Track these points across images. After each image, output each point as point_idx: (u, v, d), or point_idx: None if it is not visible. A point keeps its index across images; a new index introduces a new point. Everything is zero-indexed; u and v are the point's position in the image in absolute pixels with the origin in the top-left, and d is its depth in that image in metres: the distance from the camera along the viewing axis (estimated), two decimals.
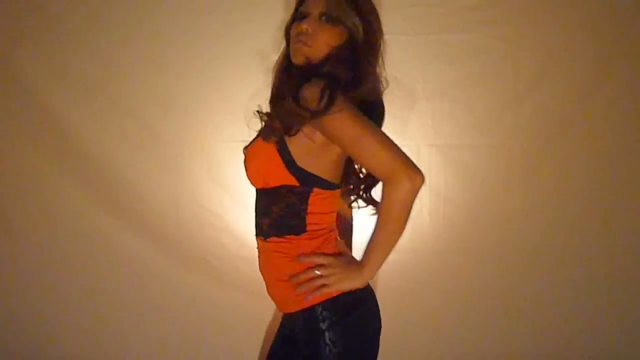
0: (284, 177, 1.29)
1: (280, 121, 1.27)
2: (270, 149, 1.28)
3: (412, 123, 1.88)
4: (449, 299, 1.97)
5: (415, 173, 1.19)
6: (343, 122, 1.20)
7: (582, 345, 1.99)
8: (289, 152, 1.27)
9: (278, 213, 1.31)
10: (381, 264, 1.28)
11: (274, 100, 1.35)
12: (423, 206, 1.89)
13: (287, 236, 1.31)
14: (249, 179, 1.36)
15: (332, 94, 1.21)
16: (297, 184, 1.29)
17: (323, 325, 1.29)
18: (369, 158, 1.22)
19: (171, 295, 1.94)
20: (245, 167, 1.36)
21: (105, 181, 1.91)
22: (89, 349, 1.98)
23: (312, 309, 1.30)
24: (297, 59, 1.35)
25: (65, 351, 1.97)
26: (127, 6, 1.85)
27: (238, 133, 1.83)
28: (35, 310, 1.98)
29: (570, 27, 1.87)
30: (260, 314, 1.92)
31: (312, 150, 1.28)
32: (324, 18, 1.33)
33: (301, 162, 1.28)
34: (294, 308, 1.32)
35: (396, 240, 1.26)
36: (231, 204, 1.89)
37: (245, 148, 1.40)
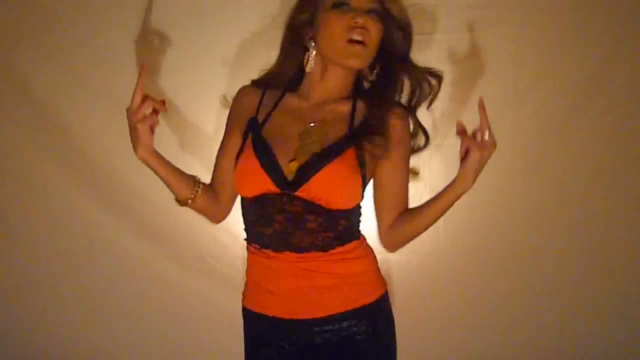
0: (359, 196, 1.26)
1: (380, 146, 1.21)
2: (355, 171, 1.20)
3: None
4: (447, 301, 1.97)
5: None
6: None
7: (582, 346, 1.99)
8: (365, 173, 1.23)
9: (344, 225, 1.26)
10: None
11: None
12: None
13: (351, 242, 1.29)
14: (325, 200, 1.19)
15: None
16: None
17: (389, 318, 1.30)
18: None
19: (170, 296, 1.94)
20: (325, 190, 1.18)
21: (104, 181, 1.91)
22: (87, 349, 1.97)
23: (382, 297, 1.30)
24: (357, 63, 1.20)
25: (64, 351, 1.97)
26: (126, 7, 1.85)
27: None
28: (35, 310, 1.97)
29: (570, 27, 1.88)
30: None
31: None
32: (373, 13, 1.18)
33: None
34: (354, 304, 1.26)
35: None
36: None
37: (311, 170, 1.19)
